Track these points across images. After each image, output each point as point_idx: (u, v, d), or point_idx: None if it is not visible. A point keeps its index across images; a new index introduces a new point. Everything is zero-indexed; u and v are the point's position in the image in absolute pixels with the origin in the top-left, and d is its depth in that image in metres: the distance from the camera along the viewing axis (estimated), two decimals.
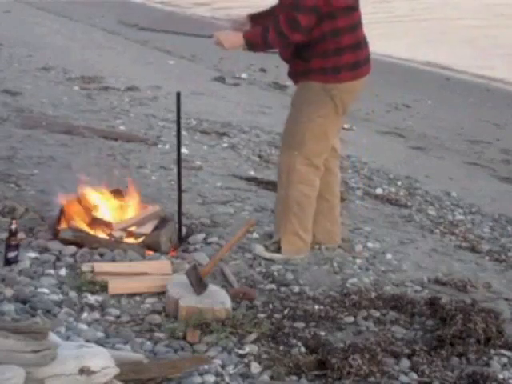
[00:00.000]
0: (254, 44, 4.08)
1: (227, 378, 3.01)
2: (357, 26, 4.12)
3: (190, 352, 3.17)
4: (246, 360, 3.16)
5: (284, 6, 3.97)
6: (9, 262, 3.73)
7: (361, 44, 4.14)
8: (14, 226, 3.76)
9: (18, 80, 8.47)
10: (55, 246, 3.98)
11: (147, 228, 4.24)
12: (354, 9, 4.08)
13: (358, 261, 4.43)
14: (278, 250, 4.28)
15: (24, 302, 3.36)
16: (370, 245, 4.73)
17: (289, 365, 3.15)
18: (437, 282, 4.28)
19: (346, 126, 8.99)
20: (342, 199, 5.65)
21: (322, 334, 3.48)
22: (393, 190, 6.40)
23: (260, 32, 4.03)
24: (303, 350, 3.31)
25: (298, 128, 4.14)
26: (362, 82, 4.20)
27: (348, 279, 4.14)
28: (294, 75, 4.21)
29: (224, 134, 7.30)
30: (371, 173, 6.86)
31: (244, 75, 11.25)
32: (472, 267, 4.72)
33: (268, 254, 4.25)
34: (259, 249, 4.28)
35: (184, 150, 6.04)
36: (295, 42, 4.00)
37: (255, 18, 4.34)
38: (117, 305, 3.54)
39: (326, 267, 4.28)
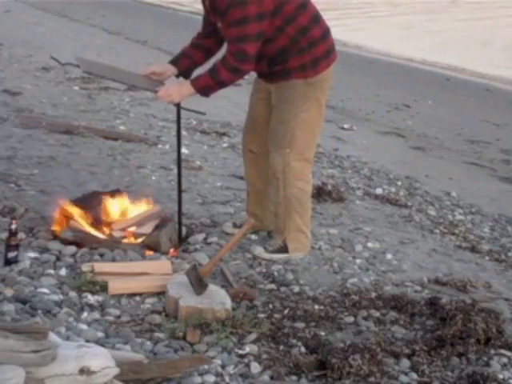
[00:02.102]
0: (206, 88, 4.07)
1: (227, 378, 3.01)
2: (318, 16, 4.15)
3: (190, 352, 3.17)
4: (246, 360, 3.16)
5: (231, 39, 3.97)
6: (9, 262, 3.73)
7: (327, 31, 4.19)
8: (13, 226, 3.76)
9: (18, 80, 8.46)
10: (55, 246, 3.98)
11: (147, 228, 4.24)
12: (305, 2, 4.10)
13: (358, 261, 4.44)
14: (278, 250, 4.28)
15: (24, 302, 3.36)
16: (369, 245, 4.73)
17: (289, 365, 3.15)
18: (437, 282, 4.28)
19: (346, 126, 9.02)
20: (342, 199, 5.66)
21: (322, 333, 3.48)
22: (393, 189, 6.40)
23: (208, 75, 4.02)
24: (303, 350, 3.30)
25: (286, 127, 4.15)
26: (332, 69, 4.24)
27: (348, 279, 4.14)
28: (269, 76, 4.20)
29: (224, 134, 7.30)
30: (371, 173, 6.85)
31: None
32: (472, 267, 4.72)
33: (268, 255, 4.26)
34: (259, 250, 4.28)
35: (184, 150, 6.05)
36: (248, 72, 4.02)
37: (179, 60, 4.31)
38: (117, 305, 3.54)
39: (325, 267, 4.29)
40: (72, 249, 3.96)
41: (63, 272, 3.75)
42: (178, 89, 4.13)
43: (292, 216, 4.26)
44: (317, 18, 4.13)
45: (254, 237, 4.53)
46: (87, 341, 3.01)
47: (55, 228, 4.10)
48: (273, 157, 4.22)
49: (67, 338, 3.02)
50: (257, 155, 4.40)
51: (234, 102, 9.27)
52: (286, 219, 4.28)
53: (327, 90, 4.27)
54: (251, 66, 3.99)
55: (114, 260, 3.93)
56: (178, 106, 4.23)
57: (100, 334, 3.20)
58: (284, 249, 4.29)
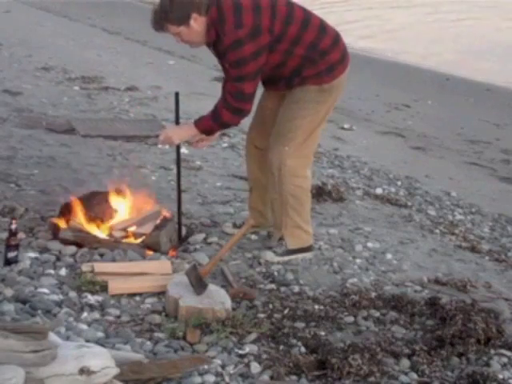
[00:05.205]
0: (210, 130, 4.13)
1: (227, 378, 3.01)
2: (324, 25, 4.12)
3: (189, 352, 3.18)
4: (246, 360, 3.16)
5: (230, 79, 4.00)
6: (9, 262, 3.73)
7: (337, 36, 4.16)
8: (13, 226, 3.76)
9: (18, 80, 8.46)
10: (55, 246, 3.98)
11: (147, 228, 4.24)
12: (307, 17, 4.07)
13: (358, 261, 4.44)
14: (287, 252, 4.27)
15: (24, 302, 3.36)
16: (369, 245, 4.73)
17: (289, 365, 3.15)
18: (437, 282, 4.28)
19: (346, 126, 9.02)
20: (342, 199, 5.66)
21: (322, 333, 3.48)
22: (393, 190, 6.40)
23: (211, 118, 4.06)
24: (303, 350, 3.31)
25: (292, 125, 4.15)
26: (347, 73, 4.23)
27: (348, 279, 4.14)
28: (286, 87, 4.19)
29: (224, 133, 7.29)
30: (371, 173, 6.85)
31: None
32: (472, 267, 4.72)
33: (279, 258, 4.25)
34: (270, 255, 4.27)
35: (184, 150, 6.04)
36: (249, 112, 4.05)
37: None
38: (117, 305, 3.54)
39: (325, 267, 4.29)
40: (72, 249, 3.97)
41: (63, 272, 3.75)
42: (178, 131, 4.18)
43: (288, 213, 4.26)
44: (323, 29, 4.09)
45: (254, 237, 4.52)
46: (87, 341, 3.01)
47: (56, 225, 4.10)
48: (271, 152, 4.21)
49: (67, 338, 3.02)
50: (262, 151, 4.39)
51: None
52: (283, 216, 4.28)
53: (340, 94, 4.27)
54: (251, 105, 4.03)
55: (114, 260, 3.93)
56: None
57: (100, 334, 3.20)
58: (295, 249, 4.29)
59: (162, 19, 3.91)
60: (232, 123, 4.12)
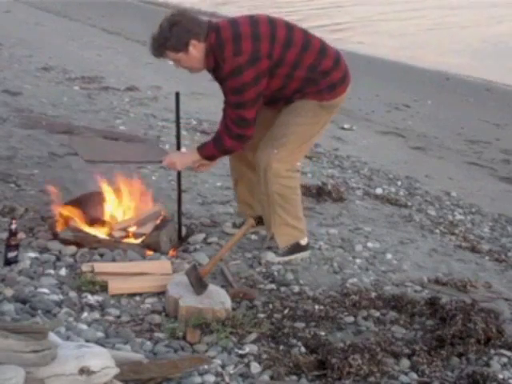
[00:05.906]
0: (213, 156, 4.18)
1: (227, 378, 3.01)
2: (324, 47, 4.12)
3: (189, 352, 3.18)
4: (246, 360, 3.16)
5: (230, 104, 4.00)
6: (9, 262, 3.73)
7: (339, 57, 4.16)
8: (13, 226, 3.76)
9: (18, 80, 8.47)
10: (55, 246, 3.98)
11: (147, 228, 4.24)
12: (307, 39, 4.06)
13: (358, 261, 4.44)
14: (287, 252, 4.27)
15: (24, 301, 3.36)
16: (369, 245, 4.73)
17: (289, 365, 3.15)
18: (437, 282, 4.28)
19: (346, 126, 9.02)
20: (342, 199, 5.66)
21: (322, 333, 3.48)
22: (393, 189, 6.40)
23: (213, 145, 4.11)
24: (303, 350, 3.31)
25: (286, 130, 4.14)
26: (347, 93, 4.25)
27: (348, 279, 4.14)
28: (286, 104, 4.19)
29: None
30: (371, 173, 6.86)
31: None
32: (472, 267, 4.73)
33: (280, 259, 4.24)
34: (270, 255, 4.26)
35: (184, 150, 6.04)
36: (251, 137, 4.05)
37: None
38: (117, 305, 3.54)
39: (325, 267, 4.29)
40: (72, 249, 3.97)
41: (63, 272, 3.75)
42: (181, 158, 4.24)
43: (276, 211, 4.24)
44: (323, 51, 4.09)
45: (254, 237, 4.52)
46: (87, 341, 3.01)
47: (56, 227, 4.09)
48: (261, 153, 4.18)
49: (67, 338, 3.02)
50: (245, 150, 4.38)
51: None
52: (271, 214, 4.26)
53: (337, 110, 4.30)
54: (253, 130, 4.04)
55: (114, 260, 3.93)
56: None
57: (100, 334, 3.20)
58: (293, 248, 4.29)
59: (161, 46, 3.93)
60: (234, 149, 4.16)
